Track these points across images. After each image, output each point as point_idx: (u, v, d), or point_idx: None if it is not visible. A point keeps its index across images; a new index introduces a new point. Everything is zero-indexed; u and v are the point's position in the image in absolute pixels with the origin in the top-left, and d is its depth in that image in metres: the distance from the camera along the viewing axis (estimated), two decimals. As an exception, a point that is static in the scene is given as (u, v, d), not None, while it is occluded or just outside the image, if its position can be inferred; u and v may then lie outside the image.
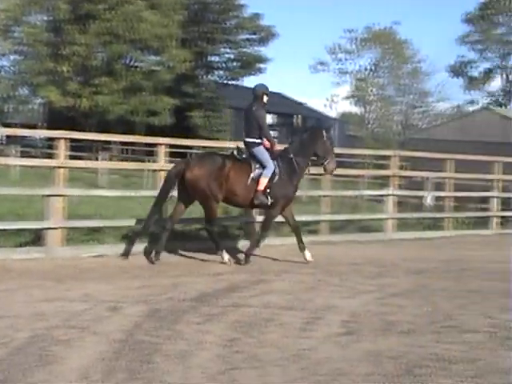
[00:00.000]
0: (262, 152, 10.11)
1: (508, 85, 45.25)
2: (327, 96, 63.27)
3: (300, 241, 10.55)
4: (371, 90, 48.32)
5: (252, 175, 10.01)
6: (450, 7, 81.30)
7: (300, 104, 57.34)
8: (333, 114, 54.37)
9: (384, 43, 47.96)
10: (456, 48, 65.09)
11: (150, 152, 26.34)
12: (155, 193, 10.49)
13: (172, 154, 14.77)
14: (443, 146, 24.24)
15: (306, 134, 10.82)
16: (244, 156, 10.16)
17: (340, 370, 5.33)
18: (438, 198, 17.92)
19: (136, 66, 38.82)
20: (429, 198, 18.18)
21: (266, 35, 43.85)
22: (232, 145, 11.30)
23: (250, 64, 44.13)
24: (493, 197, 17.03)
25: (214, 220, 10.20)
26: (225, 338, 6.14)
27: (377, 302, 7.97)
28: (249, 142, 10.18)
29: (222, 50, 44.90)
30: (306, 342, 6.10)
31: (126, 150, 38.36)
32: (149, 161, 21.24)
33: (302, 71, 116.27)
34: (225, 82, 44.83)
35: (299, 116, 52.93)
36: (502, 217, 17.63)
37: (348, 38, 48.74)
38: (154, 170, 12.23)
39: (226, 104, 43.60)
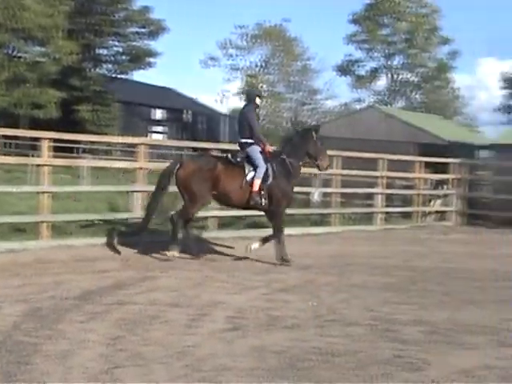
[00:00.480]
0: (255, 152, 10.49)
1: (393, 84, 46.79)
2: (218, 92, 63.30)
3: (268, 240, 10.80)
4: (261, 87, 48.78)
5: (246, 177, 10.38)
6: (339, 6, 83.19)
7: (191, 99, 57.21)
8: (224, 109, 54.59)
9: (274, 40, 48.54)
10: (344, 47, 66.60)
11: (34, 146, 25.58)
12: (37, 188, 10.20)
13: (57, 149, 14.40)
14: (331, 142, 24.75)
15: (296, 135, 11.20)
16: (238, 159, 10.53)
17: (224, 366, 5.36)
18: (325, 194, 18.34)
19: (19, 57, 37.50)
20: (316, 194, 18.58)
21: (155, 29, 43.43)
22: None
23: (140, 58, 43.58)
24: (377, 193, 17.60)
25: (187, 216, 10.43)
26: (108, 336, 6.05)
27: (263, 298, 8.06)
28: (243, 143, 10.60)
29: (111, 42, 44.08)
30: (190, 338, 6.10)
31: (10, 143, 37.11)
32: (33, 155, 20.60)
33: (193, 66, 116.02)
34: (113, 75, 44.04)
35: (190, 111, 52.80)
36: (386, 213, 18.26)
37: (239, 34, 49.04)
38: (38, 165, 11.88)
39: (114, 98, 42.91)
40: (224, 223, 13.98)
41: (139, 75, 70.11)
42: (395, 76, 46.82)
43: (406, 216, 18.89)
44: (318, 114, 50.38)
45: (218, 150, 14.27)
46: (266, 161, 10.50)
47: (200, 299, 7.75)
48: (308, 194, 19.17)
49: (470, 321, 7.26)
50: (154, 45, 44.47)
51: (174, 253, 10.31)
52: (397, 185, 20.33)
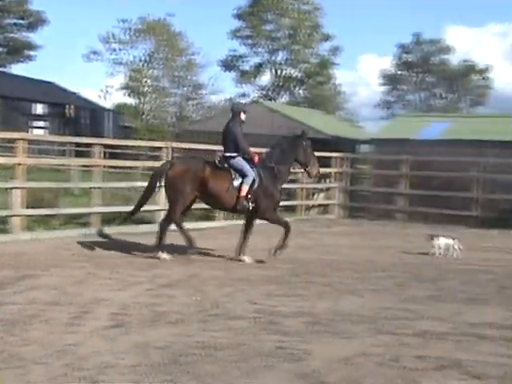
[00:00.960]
0: (239, 163, 10.74)
1: (277, 79, 47.45)
2: (102, 87, 62.15)
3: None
4: (146, 81, 48.30)
5: (232, 183, 10.64)
6: (223, 1, 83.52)
7: (73, 94, 55.80)
8: (107, 104, 53.60)
9: (158, 35, 48.12)
10: (228, 42, 66.82)
11: None
12: None
13: None
14: (216, 137, 24.88)
15: (285, 142, 11.30)
16: (225, 165, 10.79)
17: (107, 363, 5.28)
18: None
19: None
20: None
21: (34, 20, 42.16)
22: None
23: (18, 50, 42.20)
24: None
25: (172, 220, 10.78)
26: (-16, 338, 5.83)
27: (147, 294, 8.00)
28: (226, 157, 10.82)
29: (-14, 34, 42.42)
30: (72, 337, 5.97)
31: None
32: None
33: (75, 60, 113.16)
34: (-10, 68, 42.40)
35: (72, 106, 51.47)
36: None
37: (122, 27, 48.27)
38: None
39: (-9, 91, 41.30)
40: (109, 219, 13.76)
41: (19, 68, 67.64)
42: (279, 71, 47.50)
43: (290, 209, 19.21)
44: (203, 109, 50.42)
45: (100, 145, 14.02)
46: (252, 167, 10.77)
47: (82, 297, 7.59)
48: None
49: (349, 310, 7.49)
50: (33, 37, 43.13)
51: (164, 256, 10.63)
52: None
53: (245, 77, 47.80)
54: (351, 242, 14.46)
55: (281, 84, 47.43)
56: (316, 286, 9.00)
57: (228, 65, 48.33)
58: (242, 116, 10.97)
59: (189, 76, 49.98)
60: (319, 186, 21.17)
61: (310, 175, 11.52)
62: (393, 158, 20.60)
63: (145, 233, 13.65)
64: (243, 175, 10.71)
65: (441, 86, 49.38)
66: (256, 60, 48.12)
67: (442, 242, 12.34)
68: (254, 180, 10.73)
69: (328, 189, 21.25)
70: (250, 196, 10.72)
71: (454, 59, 49.97)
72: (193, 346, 5.83)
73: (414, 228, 17.80)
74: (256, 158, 10.89)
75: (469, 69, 47.79)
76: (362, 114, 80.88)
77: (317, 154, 20.35)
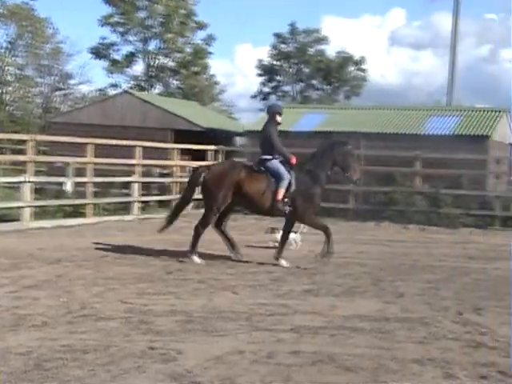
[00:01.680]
0: (275, 166, 10.85)
1: (150, 69, 46.98)
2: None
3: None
4: (8, 70, 46.55)
5: (268, 186, 10.73)
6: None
7: None
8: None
9: (21, 20, 46.41)
10: (99, 29, 65.43)
11: None
12: None
13: None
14: (86, 129, 24.40)
15: (325, 146, 11.41)
16: (262, 168, 10.92)
17: (-38, 374, 5.06)
18: (78, 184, 17.99)
19: None
20: (68, 184, 18.17)
21: None
22: None
23: None
24: (134, 182, 17.61)
25: (207, 224, 10.95)
26: None
27: (9, 296, 7.73)
28: (262, 160, 11.00)
29: None
30: None
31: None
32: None
33: None
34: None
35: None
36: (144, 202, 18.36)
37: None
38: None
39: None
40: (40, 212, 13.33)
41: None
42: (152, 61, 47.04)
43: (164, 204, 19.12)
44: (72, 99, 49.18)
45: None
46: (289, 170, 10.85)
47: None
48: (60, 184, 18.69)
49: (224, 307, 7.53)
50: None
51: (198, 260, 10.73)
52: (154, 173, 20.51)
53: (116, 66, 47.00)
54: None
55: (154, 74, 47.00)
56: (190, 283, 9.00)
57: (98, 53, 47.29)
58: (278, 117, 11.22)
59: (56, 65, 48.54)
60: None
61: (350, 180, 11.49)
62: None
63: (8, 231, 13.27)
64: (279, 178, 10.80)
65: (317, 77, 50.51)
66: (128, 48, 47.43)
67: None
68: (290, 183, 10.81)
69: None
70: (286, 199, 10.78)
71: (330, 50, 51.34)
72: (58, 349, 5.68)
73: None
74: (293, 160, 10.96)
75: (344, 60, 49.12)
76: (239, 106, 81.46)
77: (191, 146, 20.51)
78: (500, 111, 22.31)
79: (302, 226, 12.34)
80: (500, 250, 14.16)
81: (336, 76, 49.30)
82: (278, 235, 12.06)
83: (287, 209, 10.87)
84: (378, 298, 8.49)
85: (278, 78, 51.44)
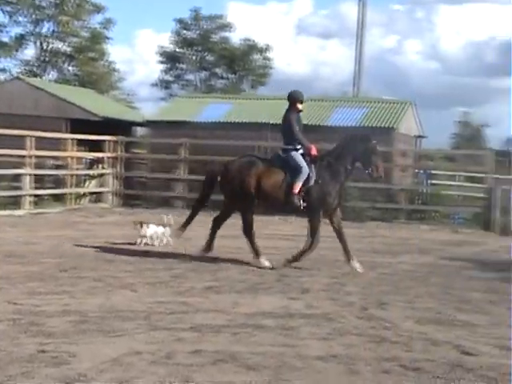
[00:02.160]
0: (293, 157, 10.62)
1: (43, 54, 45.83)
2: None
3: (346, 250, 10.67)
4: None
5: (286, 179, 10.54)
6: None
7: None
8: None
9: None
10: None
11: None
12: None
13: None
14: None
15: (347, 141, 11.14)
16: (280, 161, 10.75)
17: None
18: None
19: None
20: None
21: None
22: None
23: None
24: (25, 174, 17.19)
25: (250, 226, 10.87)
26: None
27: None
28: (283, 149, 10.89)
29: None
30: None
31: None
32: None
33: None
34: None
35: None
36: (36, 195, 17.94)
37: None
38: None
39: None
40: None
41: None
42: (45, 45, 45.89)
43: (59, 198, 18.76)
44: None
45: None
46: (309, 163, 10.62)
47: None
48: None
49: (122, 306, 7.46)
50: None
51: (266, 263, 10.65)
52: (47, 165, 20.06)
53: (4, 49, 45.59)
54: (124, 232, 14.38)
55: (47, 59, 45.87)
56: (86, 281, 8.87)
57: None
58: (299, 105, 11.01)
59: None
60: (91, 172, 20.87)
61: (372, 177, 11.25)
62: (171, 142, 20.79)
63: None
64: (297, 171, 10.60)
65: (222, 66, 50.51)
66: (17, 31, 46.05)
67: (151, 229, 12.39)
68: (308, 177, 10.60)
69: (101, 175, 20.99)
70: (302, 193, 10.59)
71: (235, 37, 51.39)
72: None
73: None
74: (313, 151, 10.76)
75: (250, 48, 49.30)
76: (139, 94, 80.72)
77: (88, 137, 20.17)
78: (406, 103, 22.91)
79: (165, 217, 12.37)
80: (405, 243, 14.61)
81: (241, 64, 49.42)
82: (147, 230, 12.05)
83: (302, 204, 10.65)
84: (283, 294, 8.60)
85: (181, 65, 51.14)
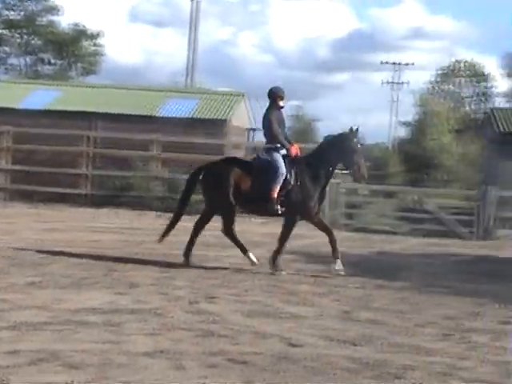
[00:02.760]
0: (273, 159, 10.38)
1: None
2: None
3: (334, 250, 10.39)
4: None
5: (262, 182, 10.21)
6: None
7: None
8: None
9: None
10: None
11: None
12: None
13: None
14: None
15: (329, 141, 10.96)
16: (259, 163, 10.55)
17: None
18: None
19: None
20: None
21: None
22: None
23: None
24: None
25: (228, 227, 10.87)
26: None
27: None
28: (264, 149, 10.73)
29: None
30: None
31: None
32: None
33: None
34: None
35: None
36: None
37: None
38: None
39: None
40: None
41: None
42: None
43: None
44: None
45: None
46: (289, 165, 10.34)
47: None
48: None
49: None
50: None
51: (254, 258, 10.73)
52: None
53: None
54: None
55: None
56: None
57: None
58: (280, 102, 10.76)
59: None
60: None
61: (355, 178, 11.02)
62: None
63: None
64: (273, 173, 10.30)
65: (49, 51, 49.02)
66: None
67: None
68: (286, 180, 10.31)
69: None
70: (281, 197, 10.32)
71: (64, 22, 49.99)
72: None
73: (16, 208, 17.50)
74: (293, 150, 10.52)
75: (79, 34, 48.13)
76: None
77: None
78: (239, 95, 23.27)
79: None
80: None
81: (70, 50, 48.19)
82: None
83: (279, 209, 10.41)
84: (110, 289, 8.49)
85: (4, 48, 49.17)
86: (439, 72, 62.59)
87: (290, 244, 10.88)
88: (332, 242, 10.43)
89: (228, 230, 10.94)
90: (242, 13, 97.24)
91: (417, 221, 19.17)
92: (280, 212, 10.50)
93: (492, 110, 28.57)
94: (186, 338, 6.33)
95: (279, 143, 10.54)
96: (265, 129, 10.76)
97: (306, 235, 12.28)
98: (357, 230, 18.59)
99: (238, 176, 10.53)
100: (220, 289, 8.86)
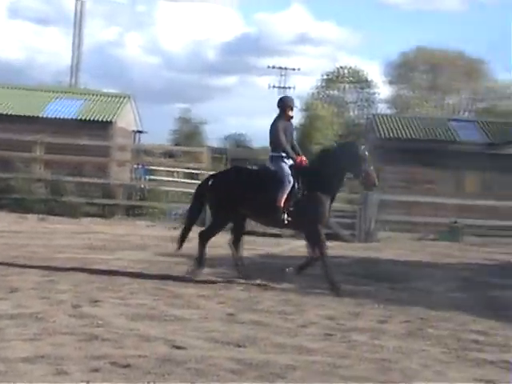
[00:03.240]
0: (281, 166, 10.16)
1: None
2: None
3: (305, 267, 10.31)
4: None
5: (270, 193, 9.98)
6: None
7: None
8: None
9: None
10: None
11: None
12: None
13: None
14: None
15: (336, 148, 10.84)
16: (267, 172, 10.35)
17: None
18: None
19: None
20: None
21: None
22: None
23: None
24: None
25: (209, 236, 10.42)
26: None
27: None
28: (270, 157, 10.46)
29: None
30: None
31: None
32: None
33: None
34: None
35: None
36: None
37: None
38: None
39: None
40: None
41: None
42: None
43: None
44: None
45: None
46: (296, 175, 10.09)
47: None
48: None
49: None
50: None
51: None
52: None
53: None
54: None
55: None
56: None
57: None
58: (290, 112, 10.55)
59: None
60: None
61: (365, 187, 10.74)
62: None
63: None
64: (280, 182, 10.05)
65: None
66: None
67: None
68: (294, 190, 10.02)
69: None
70: (291, 208, 10.01)
71: None
72: None
73: None
74: (301, 162, 10.28)
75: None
76: None
77: None
78: (125, 97, 23.07)
79: None
80: (122, 240, 14.71)
81: None
82: None
83: (286, 219, 10.06)
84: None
85: None
86: (324, 77, 64.07)
87: (174, 247, 10.86)
88: (314, 260, 10.26)
89: (206, 236, 10.50)
90: (128, 13, 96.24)
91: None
92: (287, 222, 10.21)
93: (374, 115, 29.46)
94: (68, 343, 6.24)
95: (283, 151, 10.31)
96: (271, 137, 10.52)
97: (190, 238, 12.19)
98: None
99: (245, 185, 10.31)
100: (104, 292, 8.76)
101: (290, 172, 10.16)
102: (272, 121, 10.66)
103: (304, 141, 47.86)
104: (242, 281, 10.17)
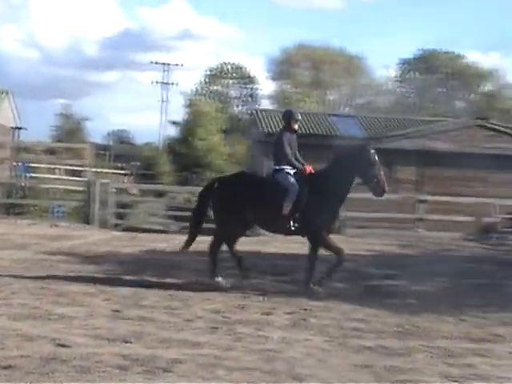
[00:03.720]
0: (284, 175, 10.06)
1: None
2: None
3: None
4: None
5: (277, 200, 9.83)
6: None
7: None
8: None
9: None
10: None
11: None
12: None
13: None
14: None
15: (344, 154, 10.54)
16: (273, 180, 10.18)
17: None
18: None
19: None
20: None
21: None
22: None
23: None
24: None
25: (219, 243, 10.17)
26: None
27: None
28: (274, 170, 10.33)
29: None
30: None
31: None
32: None
33: None
34: None
35: None
36: None
37: None
38: None
39: None
40: None
41: None
42: None
43: None
44: None
45: None
46: (302, 182, 9.94)
47: None
48: None
49: None
50: None
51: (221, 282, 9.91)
52: None
53: None
54: None
55: None
56: None
57: None
58: (295, 125, 10.42)
59: None
60: None
61: (374, 193, 10.09)
62: None
63: None
64: (285, 190, 9.92)
65: None
66: None
67: None
68: (300, 197, 9.85)
69: None
70: (297, 215, 9.86)
71: None
72: None
73: None
74: (307, 169, 10.12)
75: None
76: None
77: None
78: (2, 92, 22.45)
79: None
80: (2, 238, 14.39)
81: None
82: None
83: (292, 226, 9.90)
84: None
85: None
86: (207, 73, 64.25)
87: (59, 245, 10.72)
88: (341, 261, 10.07)
89: (214, 246, 10.23)
90: (2, 5, 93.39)
91: (186, 219, 19.48)
92: (293, 229, 10.06)
93: (256, 111, 29.79)
94: None
95: (288, 164, 10.18)
96: (275, 150, 10.42)
97: (74, 236, 12.12)
98: (127, 229, 18.65)
99: (251, 192, 10.13)
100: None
101: (294, 179, 10.06)
102: (277, 134, 10.87)
103: (189, 137, 47.92)
104: (127, 277, 10.14)
